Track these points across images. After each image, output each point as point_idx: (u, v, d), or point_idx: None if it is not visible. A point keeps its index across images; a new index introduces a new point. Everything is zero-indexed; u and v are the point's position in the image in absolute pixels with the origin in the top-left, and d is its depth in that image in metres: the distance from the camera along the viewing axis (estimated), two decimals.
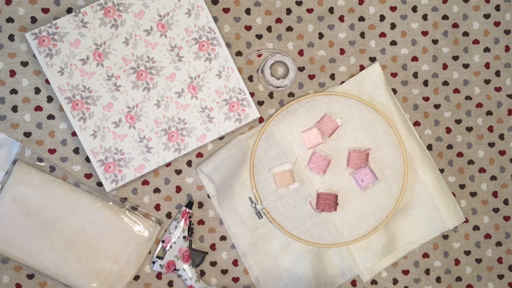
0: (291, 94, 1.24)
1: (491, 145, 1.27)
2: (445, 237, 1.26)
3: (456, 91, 1.27)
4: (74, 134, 1.20)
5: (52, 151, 1.19)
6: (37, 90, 1.19)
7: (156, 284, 1.21)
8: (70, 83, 1.16)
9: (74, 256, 1.16)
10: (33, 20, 1.19)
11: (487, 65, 1.27)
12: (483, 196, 1.27)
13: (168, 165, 1.21)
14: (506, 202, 1.27)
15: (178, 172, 1.22)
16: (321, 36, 1.24)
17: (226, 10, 1.23)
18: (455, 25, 1.27)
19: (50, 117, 1.19)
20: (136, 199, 1.21)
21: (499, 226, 1.27)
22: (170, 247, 1.17)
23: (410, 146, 1.22)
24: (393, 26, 1.26)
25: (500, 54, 1.27)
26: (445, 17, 1.26)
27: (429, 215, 1.22)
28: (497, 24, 1.27)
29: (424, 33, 1.26)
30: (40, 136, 1.19)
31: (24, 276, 1.18)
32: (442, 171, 1.26)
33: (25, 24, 1.19)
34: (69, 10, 1.20)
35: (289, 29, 1.24)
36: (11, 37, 1.19)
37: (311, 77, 1.24)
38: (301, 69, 1.24)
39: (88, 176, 1.20)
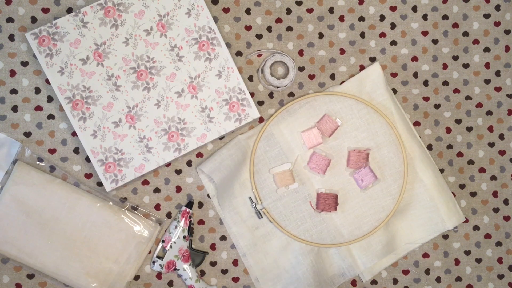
0: (291, 94, 1.24)
1: (491, 145, 1.27)
2: (445, 237, 1.26)
3: (456, 91, 1.27)
4: (74, 134, 1.20)
5: (52, 151, 1.19)
6: (37, 90, 1.19)
7: (156, 284, 1.21)
8: (70, 83, 1.16)
9: (74, 256, 1.16)
10: (33, 20, 1.19)
11: (487, 65, 1.27)
12: (483, 196, 1.27)
13: (168, 165, 1.21)
14: (506, 202, 1.27)
15: (178, 172, 1.22)
16: (321, 36, 1.24)
17: (226, 10, 1.23)
18: (455, 25, 1.27)
19: (50, 117, 1.19)
20: (136, 199, 1.21)
21: (499, 226, 1.27)
22: (170, 247, 1.18)
23: (410, 146, 1.22)
24: (393, 26, 1.26)
25: (500, 54, 1.27)
26: (445, 17, 1.26)
27: (429, 215, 1.22)
28: (497, 24, 1.27)
29: (424, 33, 1.26)
30: (40, 136, 1.19)
31: (24, 276, 1.18)
32: (442, 171, 1.26)
33: (25, 24, 1.19)
34: (69, 10, 1.20)
35: (289, 29, 1.24)
36: (11, 37, 1.19)
37: (311, 77, 1.24)
38: (301, 69, 1.24)
39: (88, 176, 1.20)
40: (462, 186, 1.26)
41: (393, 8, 1.26)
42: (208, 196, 1.22)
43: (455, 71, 1.27)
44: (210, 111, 1.18)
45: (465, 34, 1.27)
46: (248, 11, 1.23)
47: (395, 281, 1.25)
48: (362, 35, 1.25)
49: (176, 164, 1.22)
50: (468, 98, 1.27)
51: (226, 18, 1.23)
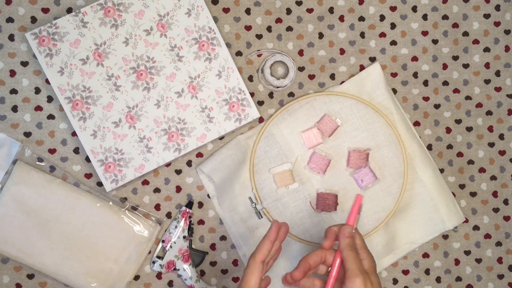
0: (291, 94, 1.24)
1: (491, 145, 1.27)
2: (445, 237, 1.26)
3: (456, 91, 1.27)
4: (74, 134, 1.20)
5: (52, 151, 1.19)
6: (37, 90, 1.19)
7: (156, 284, 1.21)
8: (70, 83, 1.16)
9: (74, 256, 1.16)
10: (33, 20, 1.19)
11: (487, 65, 1.27)
12: (483, 196, 1.27)
13: (168, 165, 1.22)
14: (506, 202, 1.27)
15: (178, 172, 1.22)
16: (321, 36, 1.24)
17: (226, 10, 1.23)
18: (455, 25, 1.27)
19: (50, 117, 1.19)
20: (136, 199, 1.21)
21: (499, 226, 1.27)
22: (170, 247, 1.18)
23: (410, 146, 1.22)
24: (393, 26, 1.26)
25: (500, 54, 1.27)
26: (445, 17, 1.26)
27: (429, 215, 1.22)
28: (497, 24, 1.27)
29: (424, 33, 1.26)
30: (40, 136, 1.19)
31: (24, 276, 1.18)
32: (442, 171, 1.26)
33: (25, 24, 1.19)
34: (69, 10, 1.20)
35: (289, 29, 1.24)
36: (11, 37, 1.19)
37: (311, 77, 1.24)
38: (301, 69, 1.24)
39: (88, 176, 1.20)
40: (462, 186, 1.26)
41: (393, 8, 1.26)
42: (208, 196, 1.22)
43: (455, 71, 1.27)
44: (210, 111, 1.18)
45: (465, 34, 1.27)
46: (248, 11, 1.23)
47: (395, 281, 1.25)
48: (362, 35, 1.25)
49: (176, 164, 1.22)
50: (468, 98, 1.27)
51: (226, 18, 1.23)
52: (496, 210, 1.27)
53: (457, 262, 1.26)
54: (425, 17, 1.26)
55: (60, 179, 1.18)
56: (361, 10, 1.25)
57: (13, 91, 1.19)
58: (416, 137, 1.24)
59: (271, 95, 1.23)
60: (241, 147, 1.21)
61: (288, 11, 1.24)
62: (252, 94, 1.23)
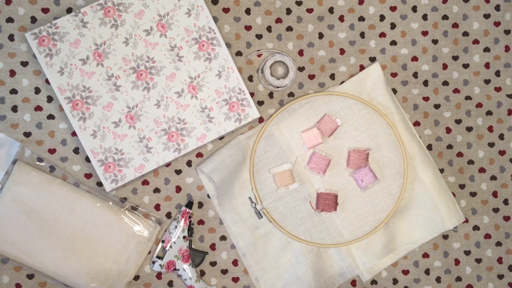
0: (291, 94, 1.24)
1: (491, 145, 1.27)
2: (445, 237, 1.26)
3: (456, 91, 1.27)
4: (74, 134, 1.20)
5: (52, 151, 1.19)
6: (37, 90, 1.19)
7: (156, 284, 1.21)
8: (70, 83, 1.16)
9: (74, 256, 1.16)
10: (33, 20, 1.19)
11: (487, 65, 1.27)
12: (483, 196, 1.27)
13: (168, 165, 1.22)
14: (506, 202, 1.27)
15: (178, 172, 1.22)
16: (321, 36, 1.24)
17: (226, 10, 1.23)
18: (455, 25, 1.27)
19: (50, 117, 1.19)
20: (136, 199, 1.21)
21: (499, 226, 1.27)
22: (170, 247, 1.18)
23: (410, 146, 1.22)
24: (393, 26, 1.26)
25: (500, 54, 1.27)
26: (445, 17, 1.26)
27: (429, 215, 1.22)
28: (497, 24, 1.27)
29: (424, 33, 1.26)
30: (40, 136, 1.19)
31: (24, 276, 1.18)
32: (442, 171, 1.26)
33: (25, 24, 1.19)
34: (69, 10, 1.20)
35: (289, 29, 1.24)
36: (11, 37, 1.19)
37: (311, 77, 1.24)
38: (301, 69, 1.24)
39: (88, 176, 1.20)
40: (462, 186, 1.26)
41: (393, 8, 1.26)
42: (208, 196, 1.22)
43: (455, 71, 1.27)
44: (210, 111, 1.18)
45: (465, 34, 1.27)
46: (248, 11, 1.23)
47: (395, 281, 1.25)
48: (362, 35, 1.25)
49: (176, 164, 1.22)
50: (468, 98, 1.27)
51: (226, 18, 1.23)
52: (496, 210, 1.27)
53: (457, 262, 1.26)
54: (425, 17, 1.26)
55: (60, 179, 1.18)
56: (361, 10, 1.25)
57: (13, 91, 1.19)
58: (416, 137, 1.24)
59: (271, 95, 1.23)
60: (241, 147, 1.21)
61: (288, 11, 1.24)
62: (252, 94, 1.23)
